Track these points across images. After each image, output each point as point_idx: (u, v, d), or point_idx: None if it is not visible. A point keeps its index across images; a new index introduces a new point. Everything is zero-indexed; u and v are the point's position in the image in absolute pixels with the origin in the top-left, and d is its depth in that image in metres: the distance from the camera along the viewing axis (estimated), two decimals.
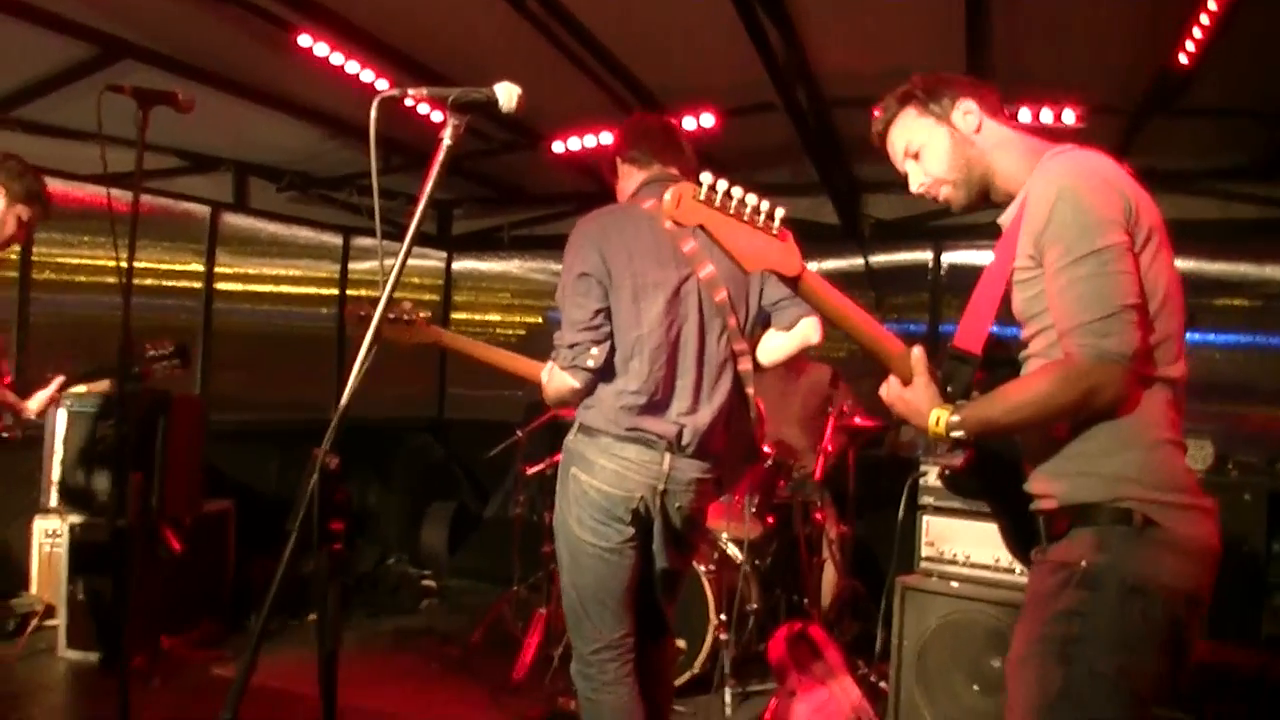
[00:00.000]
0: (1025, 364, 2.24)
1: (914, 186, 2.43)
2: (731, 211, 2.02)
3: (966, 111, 2.34)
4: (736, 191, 2.02)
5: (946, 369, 2.27)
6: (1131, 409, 2.05)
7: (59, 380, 4.18)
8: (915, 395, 2.23)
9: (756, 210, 2.04)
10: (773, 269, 2.11)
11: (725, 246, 2.05)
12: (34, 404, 4.13)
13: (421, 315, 3.56)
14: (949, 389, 2.23)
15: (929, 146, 2.37)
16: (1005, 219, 2.31)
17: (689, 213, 1.98)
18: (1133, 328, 1.99)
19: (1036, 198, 2.12)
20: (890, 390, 2.30)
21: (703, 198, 1.98)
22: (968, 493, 2.49)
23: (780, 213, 2.04)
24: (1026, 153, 2.29)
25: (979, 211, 2.44)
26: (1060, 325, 2.05)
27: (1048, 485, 2.16)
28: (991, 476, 2.34)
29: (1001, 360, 2.29)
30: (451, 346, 3.70)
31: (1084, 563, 2.03)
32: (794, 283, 2.16)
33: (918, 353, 2.27)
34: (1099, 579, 2.01)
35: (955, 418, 2.14)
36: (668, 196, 1.98)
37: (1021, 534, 2.29)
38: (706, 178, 1.96)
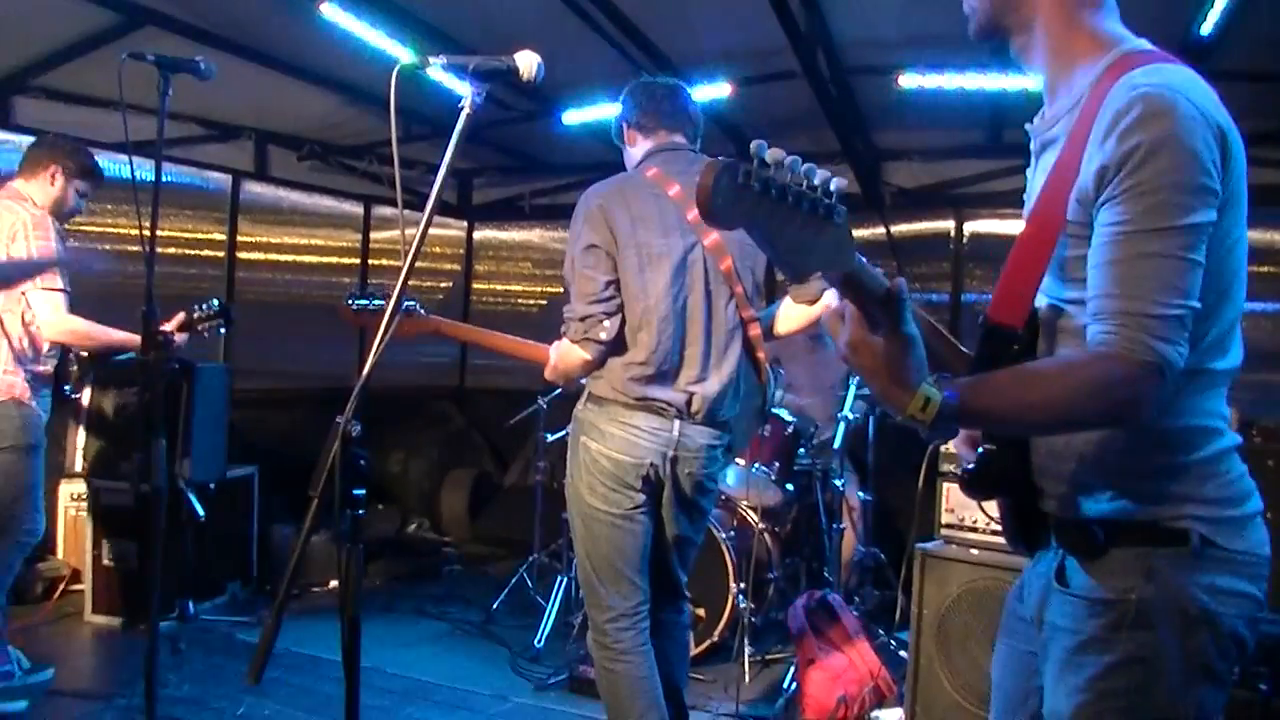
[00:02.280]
0: (1053, 345, 1.78)
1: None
2: (776, 196, 1.38)
3: None
4: (789, 163, 1.40)
5: (978, 352, 1.76)
6: (1186, 408, 1.68)
7: (178, 318, 4.29)
8: (896, 351, 1.56)
9: (812, 186, 1.42)
10: (824, 271, 1.49)
11: (769, 252, 1.45)
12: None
13: (418, 307, 3.52)
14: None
15: None
16: (1044, 127, 1.85)
17: (726, 206, 1.35)
18: (1186, 336, 1.57)
19: (1115, 126, 1.59)
20: (870, 346, 1.57)
21: (741, 181, 1.35)
22: (990, 493, 1.95)
23: (836, 184, 1.43)
24: (1095, 36, 1.76)
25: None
26: (1104, 303, 1.59)
27: (1073, 490, 1.76)
28: (1011, 474, 1.82)
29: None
30: (452, 334, 3.68)
31: (1133, 596, 1.68)
32: (840, 284, 1.54)
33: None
34: (1156, 614, 1.67)
35: (950, 401, 1.56)
36: (697, 186, 1.38)
37: (1031, 528, 1.88)
38: (757, 146, 1.38)
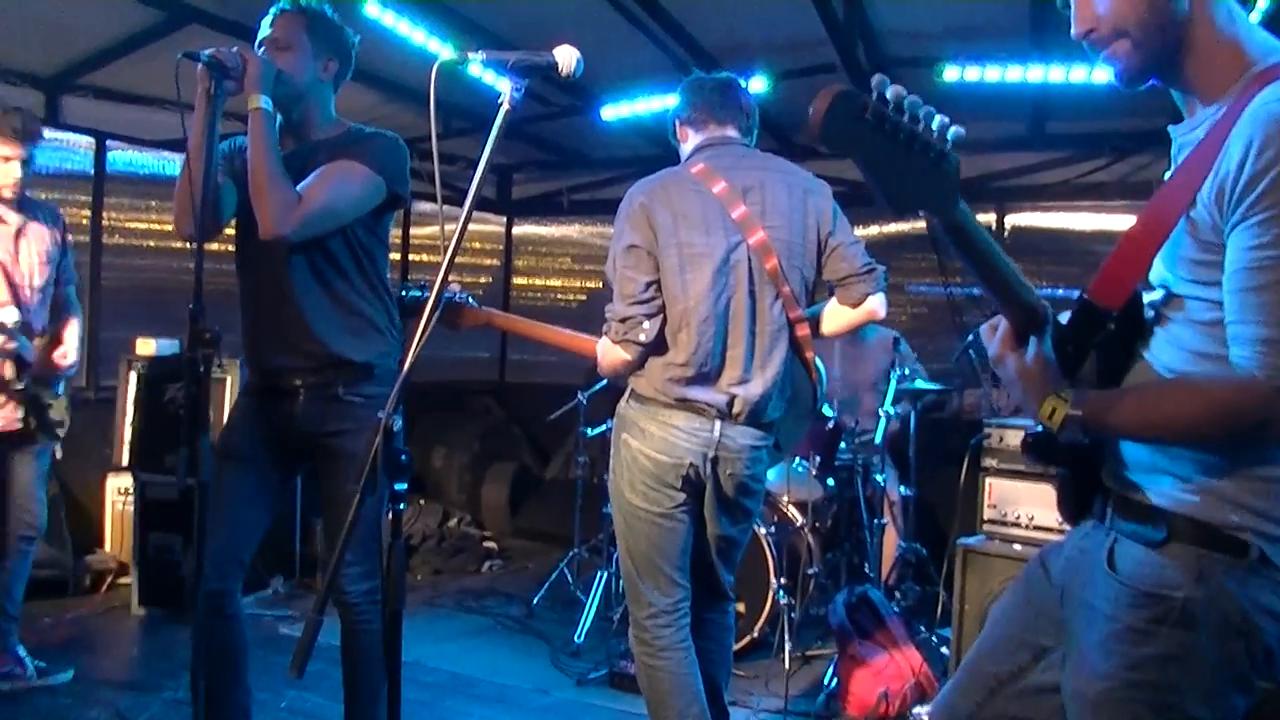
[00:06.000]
0: (1155, 330, 1.80)
1: (1077, 28, 1.81)
2: (889, 132, 1.50)
3: None
4: (909, 104, 1.52)
5: (1071, 322, 1.82)
6: None
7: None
8: (1032, 369, 1.76)
9: (928, 130, 1.53)
10: (925, 210, 1.62)
11: (873, 182, 1.53)
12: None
13: (470, 299, 3.54)
14: (1067, 349, 1.80)
15: None
16: (1185, 134, 1.80)
17: (837, 133, 1.45)
18: None
19: (1248, 139, 1.57)
20: (1010, 362, 1.80)
21: (855, 111, 1.46)
22: (1051, 459, 1.99)
23: (954, 133, 1.56)
24: (1240, 53, 1.72)
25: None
26: (1243, 329, 1.60)
27: (1143, 473, 1.77)
28: (1077, 445, 1.85)
29: (1138, 324, 1.83)
30: (503, 327, 3.68)
31: (1181, 594, 1.68)
32: (946, 228, 1.66)
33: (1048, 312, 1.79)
34: (1201, 618, 1.67)
35: (1075, 411, 1.70)
36: (812, 106, 1.47)
37: (1084, 499, 1.94)
38: (879, 81, 1.48)
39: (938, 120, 1.52)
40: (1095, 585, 1.81)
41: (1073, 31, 1.81)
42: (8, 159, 4.15)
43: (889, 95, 1.47)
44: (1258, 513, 1.65)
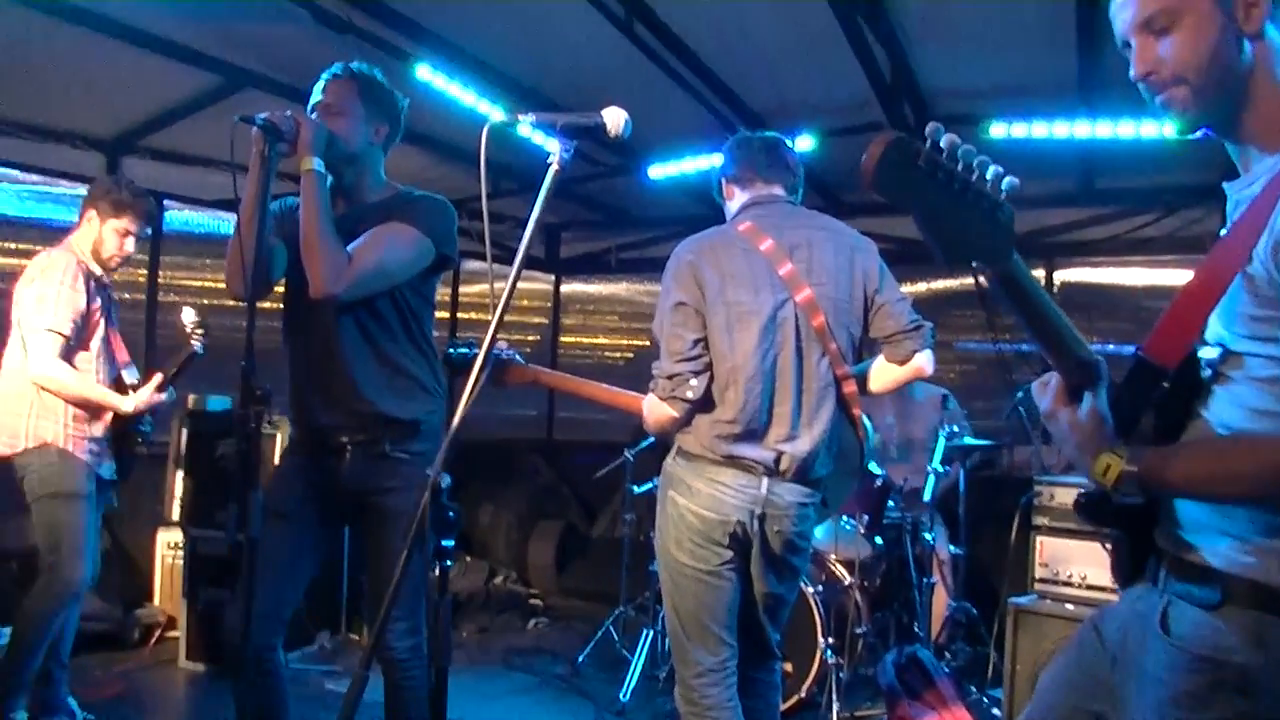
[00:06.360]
0: (1213, 388, 1.77)
1: (1137, 69, 1.77)
2: (942, 180, 1.47)
3: (1252, 3, 1.69)
4: (962, 152, 1.49)
5: (1127, 380, 1.78)
6: None
7: (157, 378, 4.34)
8: (1086, 425, 1.72)
9: (982, 179, 1.51)
10: (978, 261, 1.57)
11: (925, 231, 1.50)
12: (129, 403, 4.28)
13: (518, 357, 3.57)
14: (1122, 407, 1.75)
15: (1187, 23, 1.70)
16: (1240, 190, 1.77)
17: (890, 180, 1.44)
18: None
19: None
20: (1063, 418, 1.76)
21: (908, 158, 1.44)
22: (1105, 520, 1.93)
23: (1009, 183, 1.52)
24: None
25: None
26: None
27: (1205, 538, 1.72)
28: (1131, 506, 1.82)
29: (1194, 382, 1.80)
30: (550, 384, 3.71)
31: (1239, 659, 1.62)
32: (999, 279, 1.61)
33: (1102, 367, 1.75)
34: (1259, 685, 1.61)
35: (1131, 468, 1.66)
36: (865, 152, 1.45)
37: (1139, 561, 1.90)
38: (934, 129, 1.46)
39: (992, 170, 1.50)
40: (1149, 649, 1.76)
41: (1132, 73, 1.78)
42: (130, 234, 4.34)
43: (943, 143, 1.45)
44: None
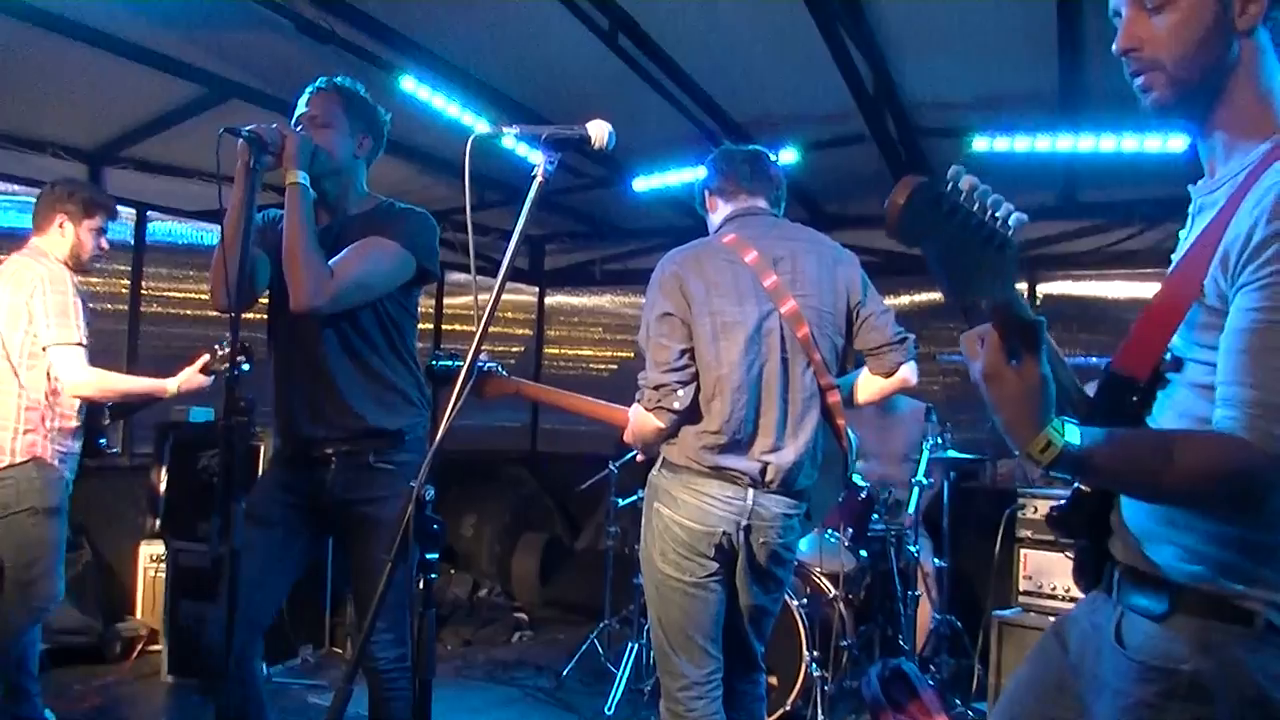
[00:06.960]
0: (1157, 393, 1.76)
1: (1119, 43, 1.74)
2: (960, 222, 1.47)
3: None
4: (979, 193, 1.48)
5: (1102, 395, 1.77)
6: None
7: (203, 359, 4.21)
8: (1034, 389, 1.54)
9: (993, 218, 1.49)
10: (984, 297, 1.53)
11: (939, 273, 1.50)
12: (173, 384, 4.23)
13: (499, 369, 3.58)
14: (1094, 422, 1.64)
15: (1182, 5, 1.66)
16: (1204, 193, 1.77)
17: (913, 225, 1.45)
18: None
19: (1260, 204, 1.55)
20: (1009, 379, 1.56)
21: (933, 201, 1.45)
22: (1075, 533, 1.92)
23: (1017, 219, 1.49)
24: (1271, 115, 1.69)
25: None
26: (1235, 391, 1.55)
27: (1153, 548, 1.72)
28: (1098, 514, 1.83)
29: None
30: (532, 396, 3.71)
31: (1188, 667, 1.62)
32: (992, 311, 1.54)
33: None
34: (1210, 691, 1.61)
35: (1073, 442, 1.54)
36: (889, 199, 1.45)
37: (1096, 568, 1.88)
38: (955, 172, 1.47)
39: (1004, 208, 1.48)
40: (1104, 659, 1.78)
41: (1115, 46, 1.75)
42: (104, 231, 4.32)
43: (962, 185, 1.45)
44: (1261, 580, 1.61)
